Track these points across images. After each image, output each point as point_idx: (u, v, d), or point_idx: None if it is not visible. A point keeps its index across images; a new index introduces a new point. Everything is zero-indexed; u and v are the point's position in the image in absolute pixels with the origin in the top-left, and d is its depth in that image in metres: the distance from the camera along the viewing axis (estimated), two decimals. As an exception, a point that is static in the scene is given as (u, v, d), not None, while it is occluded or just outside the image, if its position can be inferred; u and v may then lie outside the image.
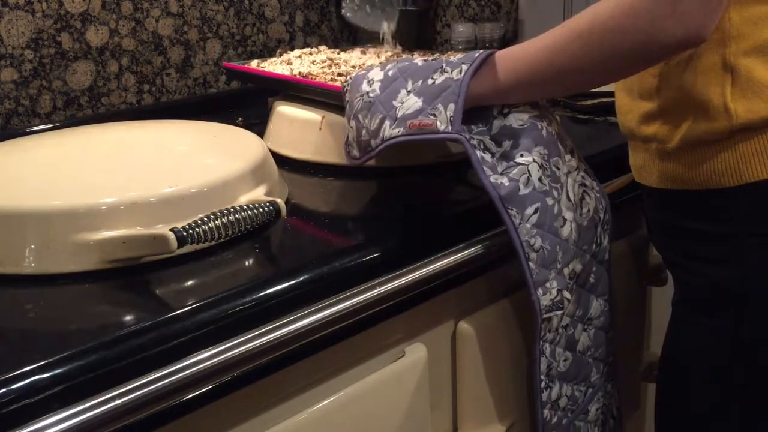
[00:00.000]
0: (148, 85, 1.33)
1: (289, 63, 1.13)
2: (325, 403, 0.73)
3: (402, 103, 0.79)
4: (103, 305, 0.65)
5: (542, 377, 0.82)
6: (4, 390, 0.51)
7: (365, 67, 0.90)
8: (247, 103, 1.38)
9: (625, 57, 0.71)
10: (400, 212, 0.87)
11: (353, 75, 0.88)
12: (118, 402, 0.54)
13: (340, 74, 1.04)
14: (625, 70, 0.76)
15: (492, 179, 0.76)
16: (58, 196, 0.71)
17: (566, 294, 0.81)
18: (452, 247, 0.78)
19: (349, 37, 1.66)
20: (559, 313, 0.81)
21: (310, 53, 1.20)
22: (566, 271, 0.80)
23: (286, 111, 1.04)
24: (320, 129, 0.98)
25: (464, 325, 0.86)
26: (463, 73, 0.77)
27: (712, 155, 0.74)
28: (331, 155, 0.96)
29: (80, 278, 0.67)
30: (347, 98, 0.87)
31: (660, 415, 0.89)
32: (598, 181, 0.88)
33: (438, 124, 0.76)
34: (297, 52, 1.20)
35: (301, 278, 0.68)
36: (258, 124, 1.11)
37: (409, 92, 0.79)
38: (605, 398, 0.93)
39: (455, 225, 0.82)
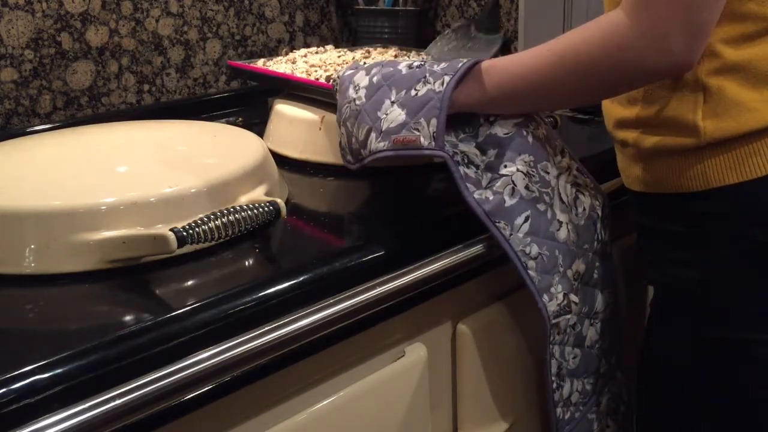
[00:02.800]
0: (148, 85, 1.33)
1: (294, 62, 1.13)
2: (325, 403, 0.73)
3: (386, 114, 0.79)
4: (103, 305, 0.65)
5: (553, 378, 0.83)
6: (4, 390, 0.51)
7: (351, 64, 0.89)
8: (247, 103, 1.38)
9: (609, 83, 0.73)
10: (400, 212, 0.87)
11: (341, 74, 0.88)
12: (118, 402, 0.54)
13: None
14: (609, 94, 0.80)
15: (476, 195, 0.76)
16: (58, 196, 0.71)
17: (573, 297, 0.81)
18: (452, 247, 0.78)
19: (349, 37, 1.66)
20: (567, 316, 0.81)
21: (316, 52, 1.19)
22: (570, 273, 0.81)
23: (285, 111, 1.04)
24: (320, 129, 0.98)
25: (464, 325, 0.86)
26: (444, 86, 0.76)
27: (680, 164, 0.76)
28: (331, 155, 0.96)
29: (80, 278, 0.67)
30: (337, 99, 0.87)
31: (640, 412, 0.90)
32: (592, 177, 0.88)
33: (422, 139, 0.76)
34: (302, 51, 1.20)
35: (301, 278, 0.68)
36: (258, 124, 1.11)
37: (393, 103, 0.79)
38: (616, 386, 0.93)
39: (455, 225, 0.82)
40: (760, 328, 0.75)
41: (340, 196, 0.92)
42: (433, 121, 0.76)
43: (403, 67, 0.82)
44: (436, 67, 0.79)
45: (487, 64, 0.77)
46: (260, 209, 0.74)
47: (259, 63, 1.16)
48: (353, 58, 1.13)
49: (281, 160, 0.97)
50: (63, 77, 1.23)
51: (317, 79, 1.02)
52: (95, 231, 0.68)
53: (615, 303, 0.90)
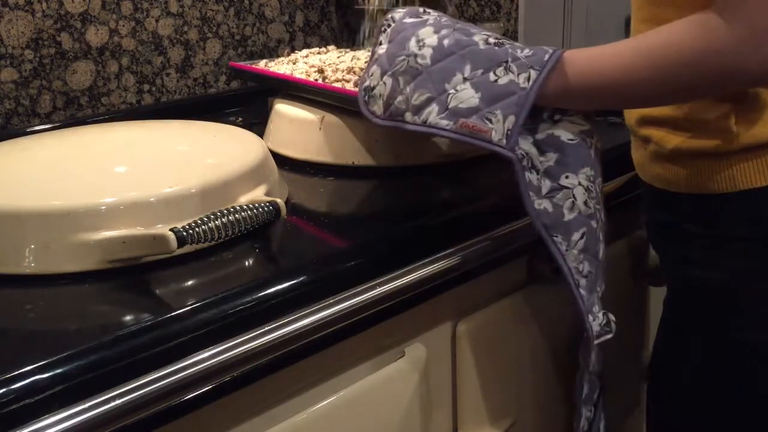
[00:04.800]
0: (148, 85, 1.33)
1: (295, 63, 1.13)
2: (325, 403, 0.73)
3: (456, 91, 0.73)
4: (103, 305, 0.66)
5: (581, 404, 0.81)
6: (4, 390, 0.51)
7: (410, 10, 0.81)
8: (247, 103, 1.38)
9: (702, 86, 0.69)
10: (400, 212, 0.87)
11: (399, 18, 0.80)
12: (118, 402, 0.54)
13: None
14: (697, 97, 0.74)
15: (536, 205, 0.72)
16: (58, 196, 0.71)
17: (611, 316, 0.78)
18: (452, 248, 0.78)
19: (348, 37, 1.66)
20: (608, 337, 0.77)
21: (318, 53, 1.19)
22: (600, 292, 0.78)
23: (285, 111, 1.04)
24: (320, 129, 0.98)
25: (464, 326, 0.86)
26: (531, 82, 0.72)
27: (708, 166, 0.74)
28: (331, 155, 0.96)
29: (80, 278, 0.67)
30: (382, 41, 0.80)
31: (651, 414, 0.90)
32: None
33: (493, 134, 0.71)
34: (304, 51, 1.20)
35: (301, 278, 0.68)
36: (258, 124, 1.11)
37: (465, 80, 0.73)
38: (598, 414, 0.91)
39: (455, 225, 0.82)
40: None
41: (340, 196, 0.92)
42: (511, 118, 0.71)
43: (479, 39, 0.75)
44: (519, 53, 0.73)
45: (571, 55, 0.73)
46: (260, 209, 0.74)
47: (261, 64, 1.16)
48: (353, 57, 1.13)
49: (281, 160, 0.97)
50: (63, 77, 1.23)
51: (316, 80, 1.02)
52: (95, 231, 0.68)
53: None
